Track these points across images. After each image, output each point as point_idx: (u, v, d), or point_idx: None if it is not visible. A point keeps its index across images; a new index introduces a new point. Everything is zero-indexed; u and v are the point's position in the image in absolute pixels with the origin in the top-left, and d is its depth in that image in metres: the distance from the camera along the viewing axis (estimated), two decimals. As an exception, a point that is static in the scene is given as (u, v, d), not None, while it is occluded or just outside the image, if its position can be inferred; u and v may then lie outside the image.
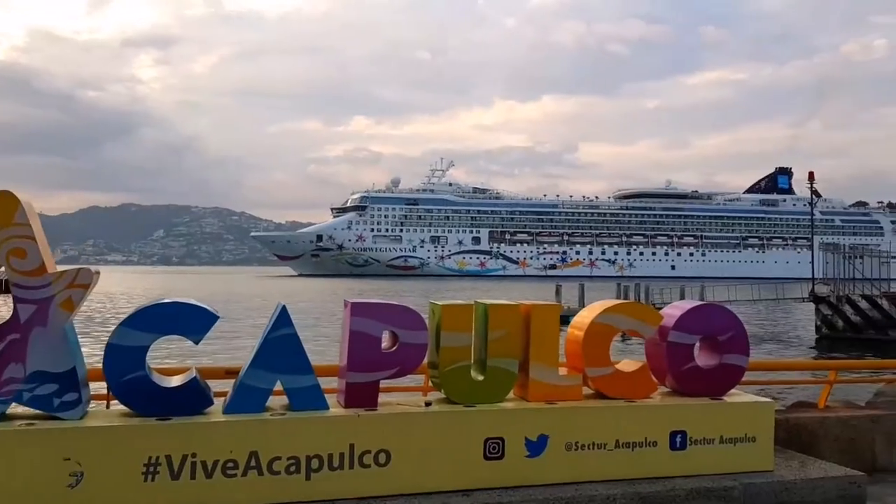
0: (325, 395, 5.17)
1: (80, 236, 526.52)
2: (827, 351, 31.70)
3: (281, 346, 4.95)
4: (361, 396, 5.11)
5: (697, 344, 5.92)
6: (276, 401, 5.05)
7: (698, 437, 5.51)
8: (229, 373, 5.44)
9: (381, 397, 5.37)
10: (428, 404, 5.26)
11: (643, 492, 5.20)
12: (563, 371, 5.65)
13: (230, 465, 4.63)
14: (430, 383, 5.78)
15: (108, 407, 5.26)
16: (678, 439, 5.47)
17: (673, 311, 5.98)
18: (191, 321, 4.84)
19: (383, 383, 5.36)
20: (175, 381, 4.95)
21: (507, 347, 5.39)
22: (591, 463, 5.29)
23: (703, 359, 5.91)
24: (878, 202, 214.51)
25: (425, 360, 5.43)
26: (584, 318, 5.78)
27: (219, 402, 4.99)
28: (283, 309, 5.01)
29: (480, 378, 5.36)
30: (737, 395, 5.90)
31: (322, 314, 43.57)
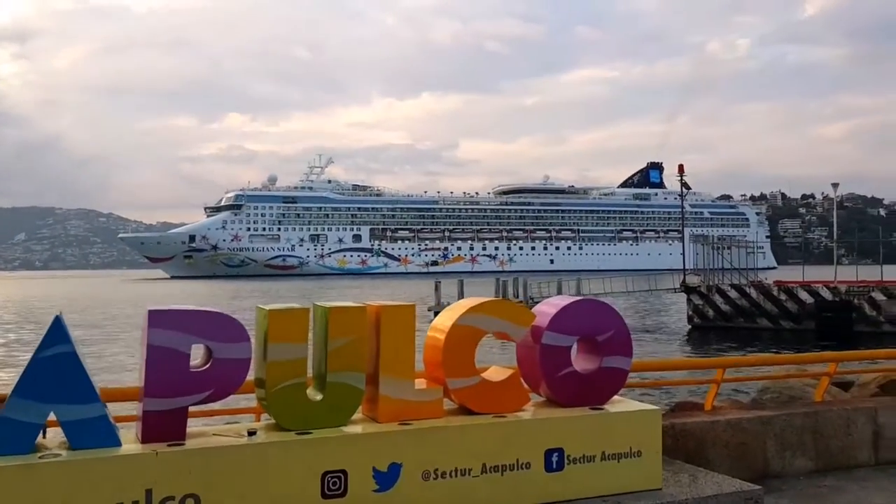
0: (127, 427, 4.13)
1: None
2: (699, 340, 32.33)
3: (54, 367, 3.85)
4: (164, 428, 4.06)
5: (575, 346, 5.16)
6: (55, 436, 3.97)
7: (577, 454, 4.73)
8: (-3, 402, 4.27)
9: (198, 425, 4.35)
10: (251, 433, 4.25)
11: (515, 525, 4.39)
12: (420, 384, 4.77)
13: (-23, 529, 3.51)
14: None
15: None
16: (554, 458, 4.68)
17: (547, 308, 5.19)
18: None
19: (208, 407, 4.35)
20: None
21: (352, 358, 4.45)
22: (453, 493, 4.42)
23: (581, 362, 5.16)
24: (741, 195, 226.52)
25: (252, 377, 4.45)
26: (444, 320, 4.92)
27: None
28: (57, 320, 3.91)
29: (318, 397, 4.41)
30: (619, 403, 5.16)
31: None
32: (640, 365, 6.13)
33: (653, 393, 11.06)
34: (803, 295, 35.45)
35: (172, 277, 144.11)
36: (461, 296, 42.21)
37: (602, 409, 4.99)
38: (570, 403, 4.98)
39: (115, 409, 4.52)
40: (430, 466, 4.37)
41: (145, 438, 4.03)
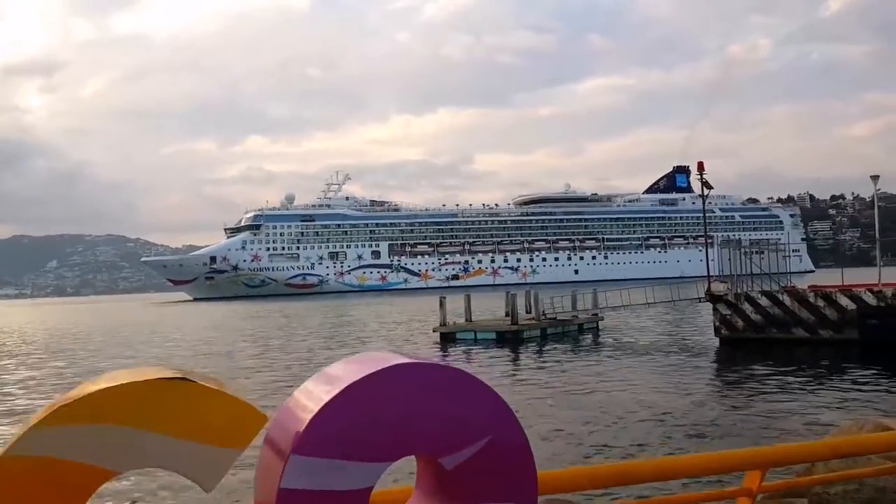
0: None
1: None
2: (729, 358, 28.90)
3: None
4: None
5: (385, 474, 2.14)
6: None
7: None
8: None
9: None
10: None
11: None
12: None
13: None
14: None
15: None
16: None
17: (309, 394, 2.15)
18: None
19: None
20: None
21: None
22: None
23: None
24: (769, 198, 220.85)
25: None
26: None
27: None
28: None
29: None
30: None
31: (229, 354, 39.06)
32: (607, 474, 3.08)
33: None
34: (843, 301, 31.84)
35: (195, 300, 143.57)
36: (469, 313, 39.04)
37: None
38: None
39: None
40: None
41: None
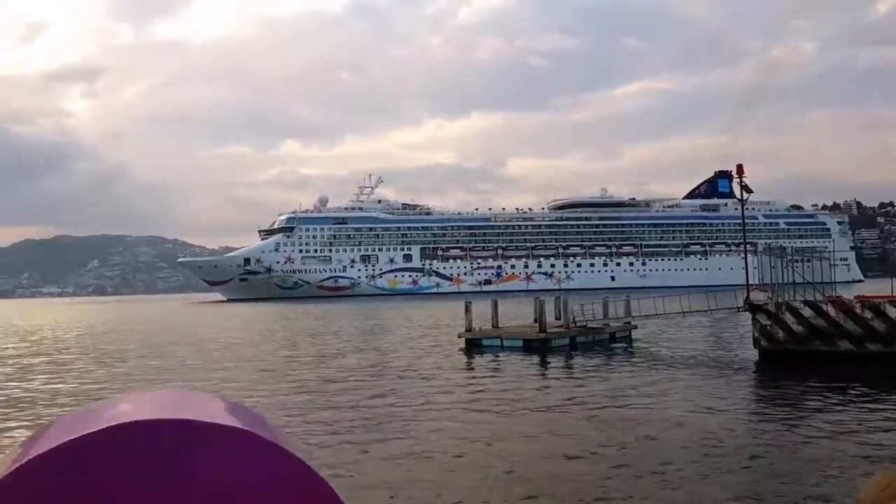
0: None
1: (15, 270, 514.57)
2: (769, 373, 27.35)
3: None
4: None
5: None
6: None
7: None
8: None
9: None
10: None
11: None
12: None
13: None
14: None
15: None
16: None
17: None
18: None
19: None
20: None
21: None
22: None
23: None
24: (813, 205, 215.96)
25: None
26: None
27: None
28: None
29: None
30: None
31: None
32: None
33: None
34: (893, 312, 30.10)
35: (228, 300, 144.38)
36: (496, 319, 37.89)
37: None
38: None
39: None
40: None
41: None
